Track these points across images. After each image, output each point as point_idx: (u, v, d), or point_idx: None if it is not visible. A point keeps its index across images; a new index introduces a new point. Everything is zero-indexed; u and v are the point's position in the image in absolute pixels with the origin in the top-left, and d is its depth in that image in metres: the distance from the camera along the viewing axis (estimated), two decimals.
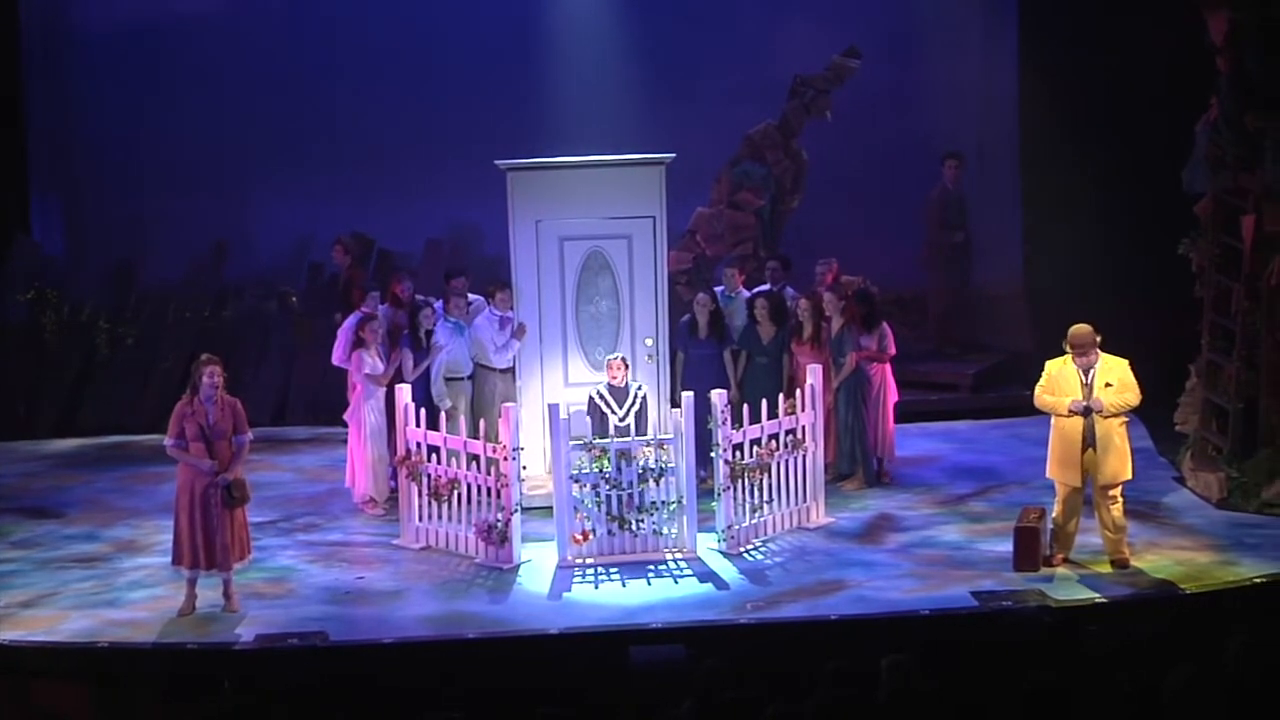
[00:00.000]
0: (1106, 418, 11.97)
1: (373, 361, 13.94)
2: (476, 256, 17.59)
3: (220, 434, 11.59)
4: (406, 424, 13.16)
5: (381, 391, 13.88)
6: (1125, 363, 12.08)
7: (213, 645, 11.25)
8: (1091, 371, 11.99)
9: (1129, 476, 12.18)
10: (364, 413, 13.94)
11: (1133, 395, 12.03)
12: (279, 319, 17.66)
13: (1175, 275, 15.19)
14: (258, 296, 18.02)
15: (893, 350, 14.55)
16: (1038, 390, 12.22)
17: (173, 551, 11.78)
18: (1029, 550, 12.20)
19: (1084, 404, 11.96)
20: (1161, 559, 12.41)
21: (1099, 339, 12.03)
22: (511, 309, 14.33)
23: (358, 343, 14.02)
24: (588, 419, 13.56)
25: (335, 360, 14.56)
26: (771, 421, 13.15)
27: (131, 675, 10.88)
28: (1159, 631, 10.80)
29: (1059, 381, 12.09)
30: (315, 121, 18.33)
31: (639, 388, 13.60)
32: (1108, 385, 11.96)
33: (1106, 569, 12.20)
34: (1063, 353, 12.08)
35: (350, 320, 14.39)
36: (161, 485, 14.29)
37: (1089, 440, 12.02)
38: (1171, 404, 15.18)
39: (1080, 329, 12.04)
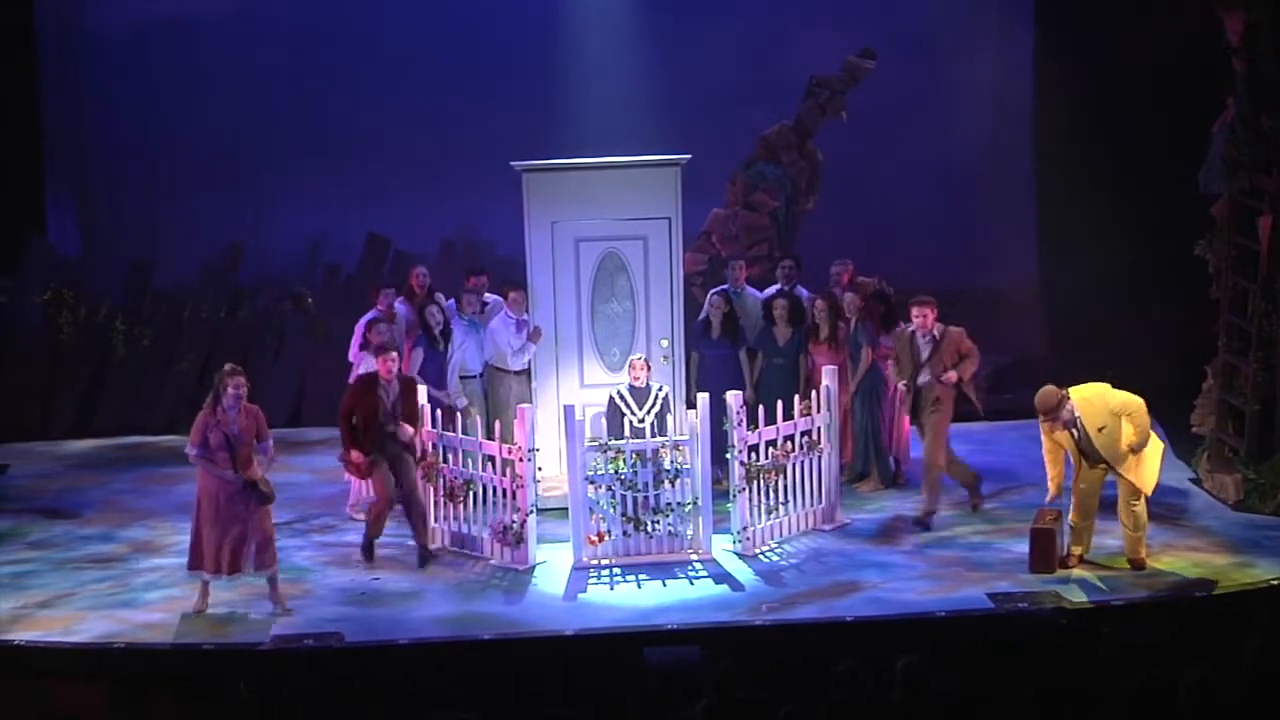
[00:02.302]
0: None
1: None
2: (491, 258, 17.57)
3: (244, 442, 11.67)
4: (422, 424, 13.16)
5: None
6: (1126, 400, 11.91)
7: (229, 646, 11.26)
8: (1076, 427, 11.89)
9: (1152, 487, 12.14)
10: None
11: (1135, 438, 11.88)
12: (294, 320, 17.67)
13: (1192, 276, 15.15)
14: (273, 298, 18.04)
15: None
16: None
17: (190, 557, 11.82)
18: (1045, 552, 12.18)
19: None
20: (1178, 561, 12.39)
21: (1065, 395, 11.84)
22: (526, 311, 14.32)
23: (365, 343, 14.04)
24: (604, 420, 13.56)
25: (351, 356, 14.59)
26: (787, 423, 13.15)
27: (148, 676, 10.90)
28: (1175, 633, 10.79)
29: (1053, 446, 12.03)
30: (330, 123, 18.30)
31: (660, 389, 13.60)
32: (1101, 430, 11.86)
33: (1123, 571, 12.17)
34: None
35: (364, 319, 14.41)
36: (177, 486, 14.33)
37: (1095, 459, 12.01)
38: (1188, 405, 15.13)
39: (1041, 396, 11.91)
